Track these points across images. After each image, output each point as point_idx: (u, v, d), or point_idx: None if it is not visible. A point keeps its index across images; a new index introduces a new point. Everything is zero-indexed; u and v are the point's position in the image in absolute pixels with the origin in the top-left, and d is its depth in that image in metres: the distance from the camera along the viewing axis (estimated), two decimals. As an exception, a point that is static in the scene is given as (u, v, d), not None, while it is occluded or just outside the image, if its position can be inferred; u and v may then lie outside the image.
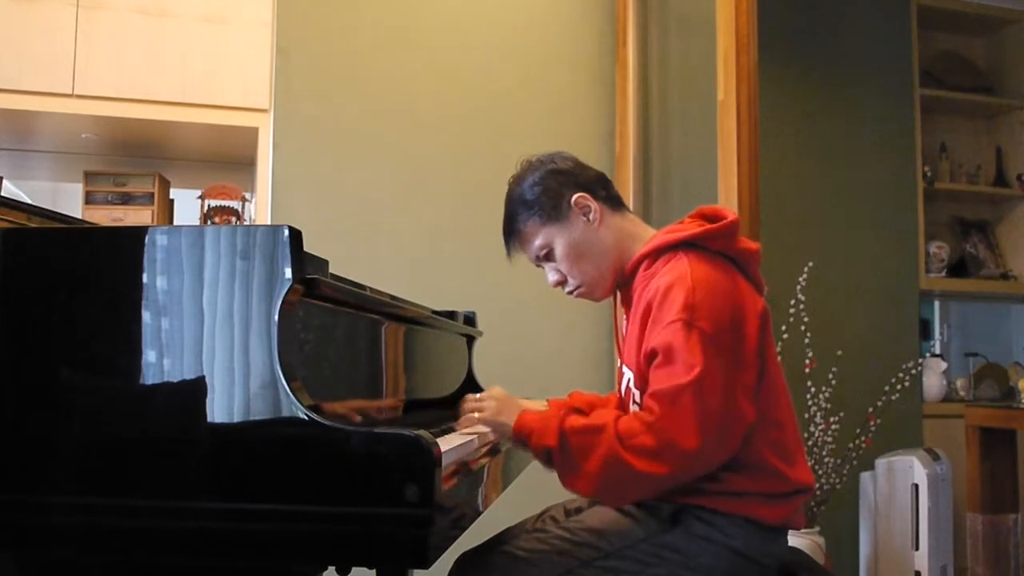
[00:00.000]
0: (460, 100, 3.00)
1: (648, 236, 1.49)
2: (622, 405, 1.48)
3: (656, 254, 1.42)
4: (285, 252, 1.05)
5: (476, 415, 1.41)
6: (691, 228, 1.42)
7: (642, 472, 1.24)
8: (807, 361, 2.84)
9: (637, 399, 1.38)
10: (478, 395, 1.46)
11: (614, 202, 1.53)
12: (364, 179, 2.90)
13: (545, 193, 1.48)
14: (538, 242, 1.49)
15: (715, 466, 1.31)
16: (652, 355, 1.32)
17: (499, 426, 1.38)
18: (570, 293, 1.53)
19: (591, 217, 1.48)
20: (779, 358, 1.45)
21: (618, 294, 1.57)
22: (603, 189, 1.52)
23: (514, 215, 1.51)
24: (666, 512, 1.36)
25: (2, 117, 2.77)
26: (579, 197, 1.48)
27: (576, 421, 1.30)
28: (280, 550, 1.00)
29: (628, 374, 1.43)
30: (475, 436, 1.41)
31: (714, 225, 1.41)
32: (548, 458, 1.30)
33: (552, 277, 1.52)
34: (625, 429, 1.26)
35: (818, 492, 2.82)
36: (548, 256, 1.50)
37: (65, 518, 1.04)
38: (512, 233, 1.52)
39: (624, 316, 1.50)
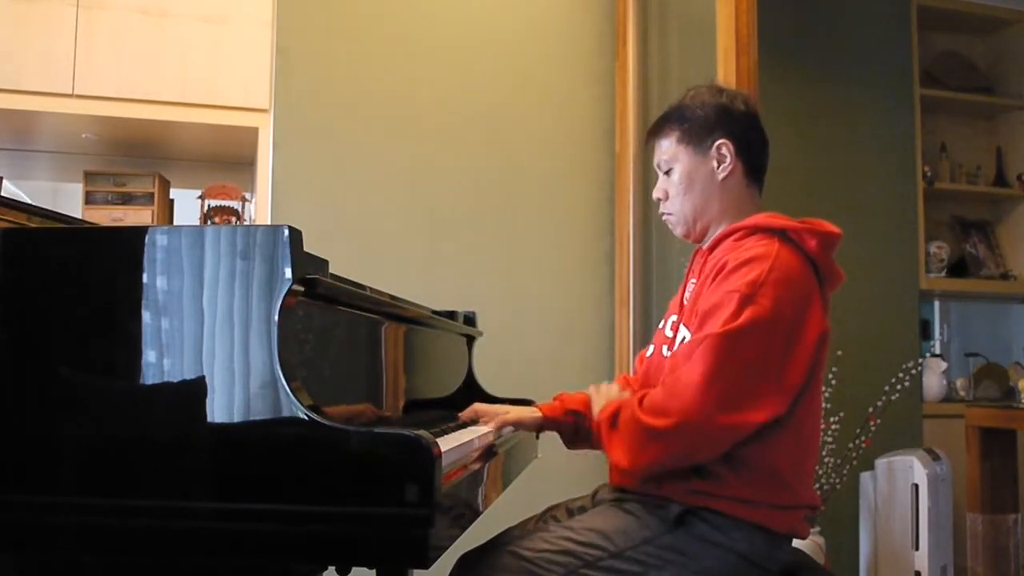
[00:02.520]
0: (460, 99, 3.00)
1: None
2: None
3: (751, 231, 1.43)
4: (285, 252, 1.05)
5: (507, 416, 1.55)
6: (792, 220, 1.43)
7: (649, 426, 1.29)
8: (807, 361, 2.84)
9: None
10: (490, 406, 1.61)
11: (754, 173, 1.53)
12: (364, 179, 2.90)
13: (703, 120, 1.51)
14: (667, 155, 1.54)
15: (714, 433, 1.29)
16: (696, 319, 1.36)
17: (529, 419, 1.56)
18: (661, 214, 1.58)
19: (722, 167, 1.50)
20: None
21: (692, 260, 1.59)
22: (754, 156, 1.53)
23: (668, 118, 1.55)
24: (672, 513, 1.36)
25: (2, 117, 2.77)
26: (724, 143, 1.49)
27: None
28: (280, 550, 1.00)
29: (684, 332, 1.44)
30: (475, 436, 1.41)
31: (816, 226, 1.43)
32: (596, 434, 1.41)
33: (657, 192, 1.57)
34: (644, 395, 1.34)
35: (818, 492, 2.82)
36: (668, 172, 1.54)
37: (65, 518, 1.04)
38: (656, 131, 1.57)
39: (695, 282, 1.50)
